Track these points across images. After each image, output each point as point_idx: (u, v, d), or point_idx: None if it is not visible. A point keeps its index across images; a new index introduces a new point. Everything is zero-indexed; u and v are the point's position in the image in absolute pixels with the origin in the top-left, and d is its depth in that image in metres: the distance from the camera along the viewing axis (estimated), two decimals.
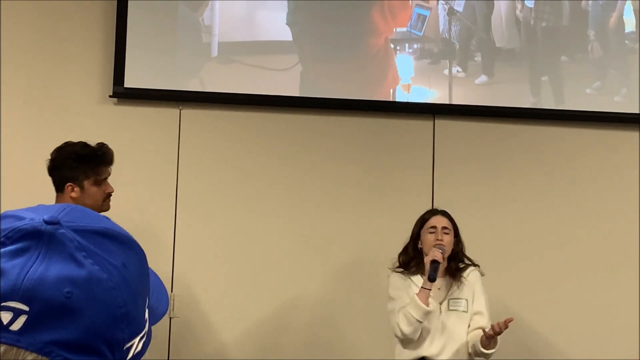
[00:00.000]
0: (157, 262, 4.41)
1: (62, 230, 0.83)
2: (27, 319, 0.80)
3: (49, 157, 3.61)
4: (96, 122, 4.74)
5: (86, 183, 3.55)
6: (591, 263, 4.84)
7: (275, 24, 4.91)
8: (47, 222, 0.84)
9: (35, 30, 4.81)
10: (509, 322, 3.69)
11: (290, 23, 4.92)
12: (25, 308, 0.80)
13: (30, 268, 0.81)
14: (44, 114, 4.77)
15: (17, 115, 4.74)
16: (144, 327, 0.88)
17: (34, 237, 0.83)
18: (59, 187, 3.58)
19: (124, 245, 0.88)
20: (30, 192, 4.46)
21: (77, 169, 3.53)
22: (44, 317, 0.80)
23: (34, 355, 0.80)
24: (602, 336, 4.75)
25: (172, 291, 4.66)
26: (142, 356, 0.88)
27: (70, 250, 0.83)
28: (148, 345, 0.89)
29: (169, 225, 4.71)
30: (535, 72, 4.96)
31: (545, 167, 4.91)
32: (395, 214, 4.78)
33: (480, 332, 3.79)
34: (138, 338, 0.86)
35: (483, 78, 4.95)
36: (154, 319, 0.92)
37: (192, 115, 4.85)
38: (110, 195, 3.63)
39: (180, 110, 4.84)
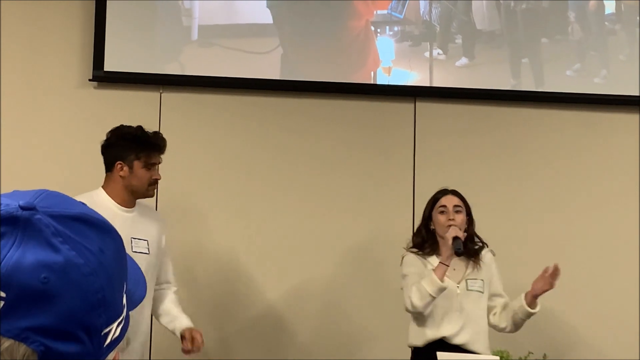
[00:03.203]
0: None
1: (38, 216, 0.83)
2: (3, 305, 0.79)
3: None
4: (76, 106, 4.72)
5: (136, 164, 3.64)
6: (577, 245, 4.86)
7: (255, 7, 4.89)
8: (22, 208, 0.83)
9: (14, 15, 4.77)
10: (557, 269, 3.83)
11: (270, 6, 4.90)
12: (2, 294, 0.79)
13: (6, 254, 0.80)
14: (23, 98, 4.74)
15: None
16: (122, 313, 0.88)
17: (10, 222, 0.82)
18: (109, 167, 3.68)
19: (101, 230, 0.87)
20: (9, 177, 4.45)
21: (129, 149, 3.64)
22: (21, 303, 0.79)
23: (10, 341, 0.79)
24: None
25: None
26: (120, 341, 0.88)
27: (47, 235, 0.82)
28: (126, 330, 0.89)
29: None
30: (516, 54, 4.98)
31: (525, 148, 4.93)
32: (376, 197, 4.79)
33: (516, 302, 3.89)
34: (116, 323, 0.86)
35: (464, 60, 4.95)
36: (132, 305, 0.92)
37: (173, 98, 4.83)
38: (157, 182, 3.74)
39: (160, 93, 4.82)
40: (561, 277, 4.77)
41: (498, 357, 3.75)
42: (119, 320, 0.87)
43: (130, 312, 0.91)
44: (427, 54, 4.94)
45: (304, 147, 4.85)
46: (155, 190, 3.80)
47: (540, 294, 3.84)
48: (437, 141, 4.89)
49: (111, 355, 0.87)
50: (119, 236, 0.90)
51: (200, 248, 4.75)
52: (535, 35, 4.99)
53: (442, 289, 3.74)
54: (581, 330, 4.79)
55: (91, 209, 0.89)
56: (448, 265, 3.76)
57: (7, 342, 0.79)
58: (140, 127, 3.70)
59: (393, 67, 4.92)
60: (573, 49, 5.00)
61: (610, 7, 5.04)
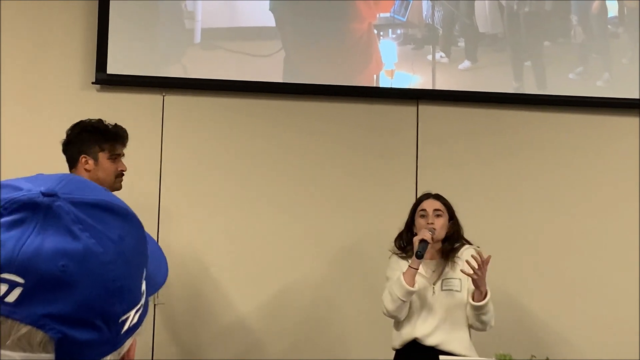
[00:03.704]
0: None
1: (58, 203, 0.83)
2: (22, 291, 0.79)
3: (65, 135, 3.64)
4: (79, 108, 4.71)
5: (101, 156, 3.58)
6: (578, 247, 4.86)
7: (258, 10, 4.90)
8: (44, 194, 0.83)
9: (17, 17, 4.77)
10: (488, 260, 3.68)
11: (273, 9, 4.91)
12: (21, 280, 0.79)
13: (26, 240, 0.80)
14: (27, 101, 4.74)
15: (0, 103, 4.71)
16: (140, 300, 0.88)
17: (31, 208, 0.82)
18: (73, 162, 3.60)
19: (122, 217, 0.87)
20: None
21: (92, 141, 3.58)
22: (39, 290, 0.80)
23: (28, 327, 0.80)
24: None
25: None
26: (138, 328, 0.88)
27: (67, 223, 0.82)
28: (144, 317, 0.89)
29: (153, 212, 4.70)
30: (518, 57, 4.98)
31: (528, 151, 4.93)
32: (379, 199, 4.79)
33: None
34: (134, 311, 0.86)
35: (466, 63, 4.96)
36: (153, 289, 0.92)
37: (176, 101, 4.83)
38: (123, 173, 3.66)
39: (163, 96, 4.82)
40: (563, 279, 4.79)
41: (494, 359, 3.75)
42: (137, 307, 0.87)
43: None
44: (429, 56, 4.94)
45: (306, 150, 4.85)
46: (122, 183, 3.68)
47: (475, 286, 3.75)
48: (440, 144, 4.89)
49: (129, 342, 0.87)
50: (139, 222, 0.90)
51: (202, 248, 4.74)
52: (538, 38, 5.00)
53: (410, 293, 3.77)
54: (582, 332, 4.78)
55: (112, 195, 0.90)
56: (416, 269, 3.78)
57: (24, 329, 0.80)
58: (100, 120, 3.64)
59: (396, 70, 4.92)
60: (575, 52, 5.01)
61: (613, 11, 5.04)
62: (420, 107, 4.93)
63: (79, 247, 0.81)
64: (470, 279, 3.76)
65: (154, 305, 4.62)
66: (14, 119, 4.71)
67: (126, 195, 4.55)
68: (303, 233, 4.79)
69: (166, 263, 0.99)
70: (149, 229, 4.16)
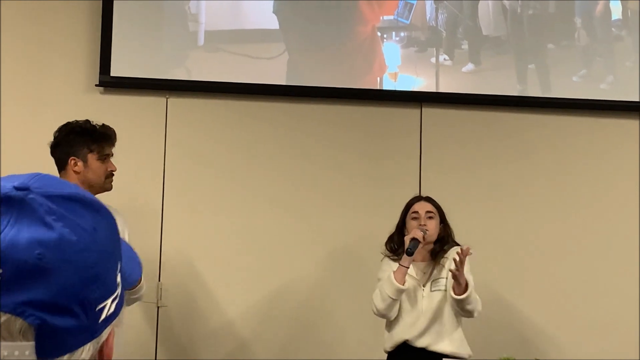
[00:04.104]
0: (145, 252, 4.40)
1: (31, 196, 0.85)
2: (0, 281, 0.81)
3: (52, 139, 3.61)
4: (82, 111, 4.69)
5: (90, 157, 3.54)
6: (581, 250, 4.85)
7: (261, 12, 4.91)
8: (17, 188, 0.85)
9: (21, 19, 4.79)
10: (467, 252, 3.67)
11: (276, 11, 4.92)
12: None
13: (1, 232, 0.82)
14: (30, 103, 4.76)
15: (3, 105, 4.73)
16: (116, 289, 0.89)
17: (5, 203, 0.84)
18: (62, 165, 3.57)
19: (94, 210, 0.89)
20: None
21: (80, 142, 3.53)
22: (17, 278, 0.81)
23: (7, 316, 0.81)
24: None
25: (159, 280, 4.66)
26: (115, 317, 0.89)
27: (40, 214, 0.84)
28: (121, 307, 0.91)
29: (157, 215, 4.71)
30: (522, 59, 4.97)
31: (532, 154, 4.92)
32: (382, 202, 4.78)
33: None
34: (110, 299, 0.88)
35: (470, 66, 4.96)
36: (127, 285, 0.94)
37: (179, 104, 4.84)
38: (113, 174, 3.62)
39: (167, 99, 4.84)
40: (567, 281, 4.78)
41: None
42: (114, 296, 0.89)
43: None
44: (433, 59, 4.95)
45: (309, 153, 4.86)
46: (112, 184, 3.63)
47: (454, 279, 3.73)
48: (443, 147, 4.89)
49: (107, 331, 0.88)
50: (112, 217, 0.92)
51: (205, 250, 4.75)
52: (542, 41, 4.99)
53: (400, 291, 3.79)
54: (583, 333, 4.77)
55: (83, 190, 0.92)
56: (407, 267, 3.80)
57: (4, 317, 0.81)
58: (87, 121, 3.60)
59: (399, 73, 4.92)
60: (579, 54, 5.00)
61: (616, 13, 5.04)
62: (423, 109, 4.93)
63: (53, 235, 0.83)
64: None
65: (157, 307, 4.63)
66: (17, 121, 4.72)
67: (129, 197, 4.59)
68: (306, 235, 4.79)
69: (139, 262, 1.01)
70: (152, 230, 4.22)
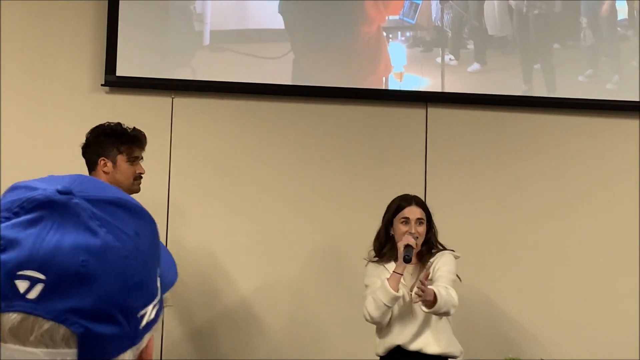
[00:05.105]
0: None
1: (75, 200, 0.84)
2: (43, 287, 0.80)
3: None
4: (88, 110, 4.73)
5: (119, 158, 3.65)
6: (586, 250, 4.85)
7: (267, 12, 4.90)
8: (60, 192, 0.84)
9: (27, 20, 4.79)
10: (426, 276, 3.66)
11: (282, 11, 4.91)
12: (42, 277, 0.80)
13: (45, 237, 0.81)
14: (36, 103, 4.75)
15: (9, 105, 4.72)
16: (157, 295, 0.89)
17: (48, 206, 0.83)
18: (92, 165, 3.67)
19: (136, 214, 0.88)
20: (20, 181, 4.46)
21: (110, 144, 3.64)
22: (60, 285, 0.80)
23: (50, 323, 0.80)
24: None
25: None
26: (155, 324, 0.88)
27: (84, 219, 0.83)
28: (160, 313, 0.90)
29: (162, 214, 4.70)
30: (528, 59, 4.97)
31: (537, 154, 4.92)
32: (388, 202, 4.77)
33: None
34: (151, 306, 0.87)
35: (475, 66, 4.95)
36: (164, 288, 0.93)
37: (185, 103, 4.84)
38: (141, 176, 3.73)
39: (172, 98, 4.83)
40: (569, 282, 4.78)
41: None
42: (154, 302, 0.88)
43: None
44: (438, 59, 4.94)
45: (315, 152, 4.85)
46: (140, 186, 3.75)
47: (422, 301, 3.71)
48: (449, 146, 4.89)
49: (147, 338, 0.88)
50: (153, 221, 0.91)
51: (210, 250, 4.75)
52: (547, 40, 4.99)
53: (396, 298, 3.76)
54: (584, 333, 4.76)
55: (125, 194, 0.91)
56: (401, 274, 3.77)
57: (47, 324, 0.80)
58: (119, 123, 3.71)
59: (405, 73, 4.92)
60: (585, 54, 5.00)
61: (622, 13, 5.03)
62: (429, 109, 4.92)
63: (97, 242, 0.82)
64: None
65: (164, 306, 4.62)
66: (23, 121, 4.72)
67: (134, 196, 4.57)
68: (309, 235, 4.79)
69: (175, 263, 1.00)
70: (158, 229, 4.18)
